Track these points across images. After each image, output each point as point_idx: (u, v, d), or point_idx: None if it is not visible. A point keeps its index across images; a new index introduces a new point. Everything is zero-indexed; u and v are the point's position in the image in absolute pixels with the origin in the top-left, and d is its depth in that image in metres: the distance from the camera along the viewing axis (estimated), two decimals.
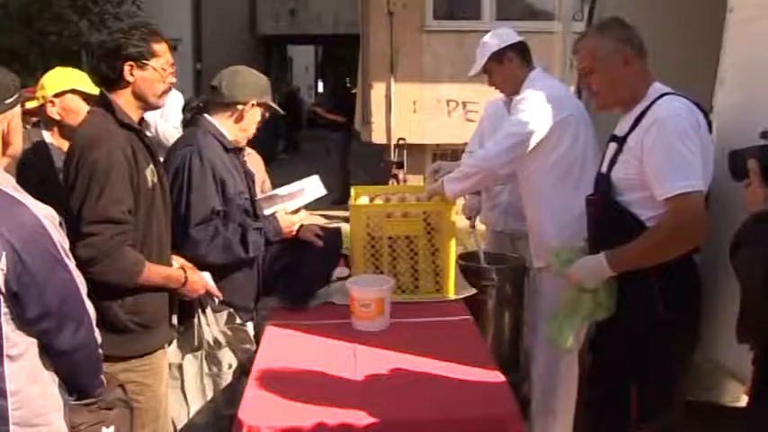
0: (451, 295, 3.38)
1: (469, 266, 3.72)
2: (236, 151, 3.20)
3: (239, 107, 3.12)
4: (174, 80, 2.72)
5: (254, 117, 3.17)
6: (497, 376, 2.56)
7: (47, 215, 1.96)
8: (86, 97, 3.14)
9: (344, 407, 2.34)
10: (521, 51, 3.48)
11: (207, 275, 2.88)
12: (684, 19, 3.99)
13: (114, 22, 13.51)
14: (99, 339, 2.13)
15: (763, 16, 2.61)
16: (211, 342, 2.90)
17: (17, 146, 2.10)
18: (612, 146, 2.66)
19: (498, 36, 3.51)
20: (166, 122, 4.74)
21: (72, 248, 2.33)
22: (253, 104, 3.13)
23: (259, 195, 3.36)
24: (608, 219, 2.62)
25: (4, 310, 1.89)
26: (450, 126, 9.62)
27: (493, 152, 3.27)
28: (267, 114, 3.25)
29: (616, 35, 2.64)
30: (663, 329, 2.48)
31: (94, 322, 2.11)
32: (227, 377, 2.92)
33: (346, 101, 12.44)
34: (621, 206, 2.55)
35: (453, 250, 3.39)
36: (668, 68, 3.91)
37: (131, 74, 2.57)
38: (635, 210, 2.51)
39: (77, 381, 2.12)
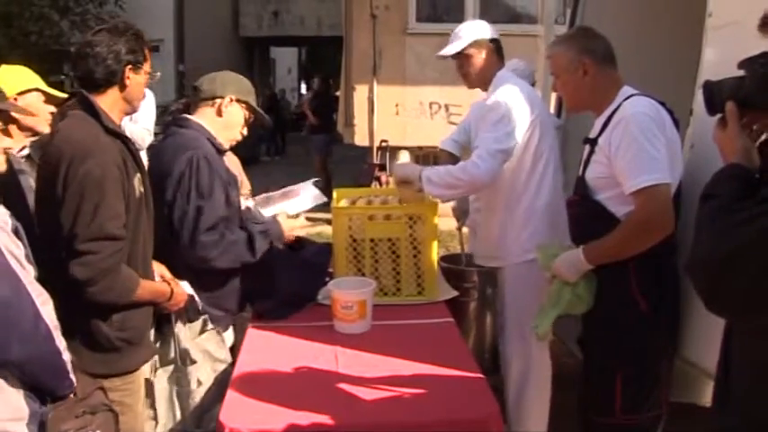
0: (433, 297, 3.38)
1: (451, 269, 3.73)
2: (223, 153, 3.16)
3: (217, 101, 3.09)
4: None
5: (234, 115, 3.13)
6: (479, 378, 2.56)
7: None
8: (48, 98, 2.99)
9: (326, 410, 2.33)
10: (498, 48, 3.46)
11: (186, 285, 2.85)
12: (665, 22, 4.03)
13: (96, 22, 13.46)
14: (61, 346, 2.02)
15: (741, 20, 2.63)
16: (183, 357, 2.86)
17: None
18: (586, 148, 2.76)
19: (482, 24, 3.48)
20: (136, 125, 4.69)
21: (65, 266, 2.29)
22: (231, 99, 3.10)
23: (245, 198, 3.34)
24: (587, 218, 2.72)
25: None
26: (432, 128, 9.64)
27: (482, 171, 3.18)
28: (250, 117, 3.19)
29: (579, 46, 2.75)
30: (644, 322, 2.58)
31: (55, 330, 1.99)
32: (197, 395, 2.86)
33: (328, 103, 12.58)
34: (599, 205, 2.64)
35: (435, 252, 3.40)
36: (649, 70, 3.95)
37: (128, 77, 2.53)
38: (611, 208, 2.62)
39: (42, 386, 2.03)
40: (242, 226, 3.06)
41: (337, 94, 14.78)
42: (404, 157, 3.22)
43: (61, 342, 2.02)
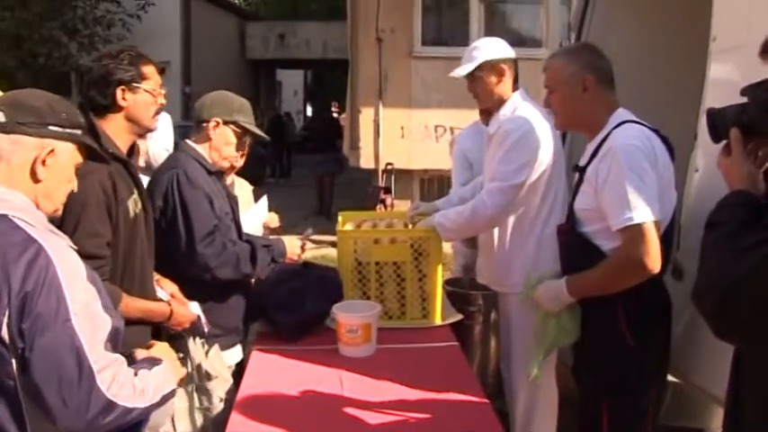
0: (438, 321, 3.37)
1: (456, 292, 3.71)
2: (218, 175, 3.18)
3: (203, 125, 3.11)
4: (164, 101, 2.70)
5: (223, 137, 3.11)
6: (484, 402, 2.55)
7: (68, 263, 1.73)
8: None
9: None
10: (513, 69, 3.34)
11: (195, 306, 2.84)
12: (670, 47, 4.03)
13: (104, 44, 13.60)
14: (133, 414, 1.80)
15: (745, 44, 2.63)
16: (202, 374, 2.84)
17: (50, 189, 1.86)
18: (576, 176, 2.67)
19: (497, 44, 3.38)
20: (156, 143, 4.73)
21: None
22: (218, 123, 3.09)
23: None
24: (574, 248, 2.64)
25: (16, 371, 1.66)
26: (437, 151, 9.66)
27: (491, 210, 3.19)
28: (243, 136, 3.16)
29: (582, 60, 2.65)
30: (631, 354, 2.50)
31: (130, 403, 1.77)
32: (218, 411, 2.85)
33: (321, 124, 13.65)
34: (585, 237, 2.56)
35: (440, 276, 3.39)
36: (654, 95, 3.95)
37: (124, 98, 2.54)
38: (597, 241, 2.53)
39: None
40: (246, 240, 3.08)
41: (335, 115, 15.45)
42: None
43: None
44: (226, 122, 3.11)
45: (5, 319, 1.63)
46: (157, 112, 2.67)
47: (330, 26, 22.04)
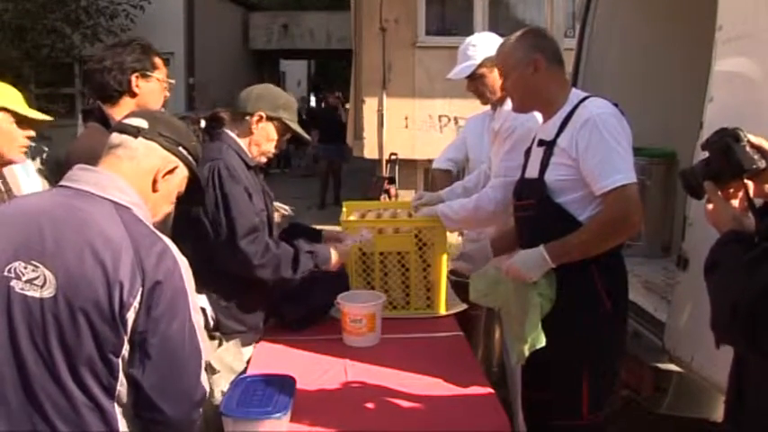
0: (442, 311, 3.37)
1: (460, 282, 3.71)
2: (256, 169, 3.10)
3: (247, 119, 2.99)
4: (168, 94, 2.74)
5: (265, 132, 3.02)
6: (488, 392, 2.56)
7: (184, 260, 1.84)
8: (19, 120, 2.50)
9: (336, 423, 2.33)
10: None
11: (203, 299, 2.78)
12: (676, 34, 4.03)
13: (107, 35, 13.59)
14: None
15: (750, 34, 2.63)
16: (206, 367, 2.83)
17: (159, 202, 1.95)
18: (539, 150, 2.67)
19: (492, 38, 3.38)
20: None
21: None
22: (261, 117, 2.99)
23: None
24: (547, 221, 2.61)
25: (124, 353, 1.73)
26: (442, 141, 9.60)
27: (495, 204, 3.19)
28: (284, 132, 3.08)
29: (530, 43, 2.69)
30: (607, 321, 2.57)
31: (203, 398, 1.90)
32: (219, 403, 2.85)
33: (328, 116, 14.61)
34: (560, 208, 2.58)
35: (445, 266, 3.39)
36: (658, 82, 3.94)
37: (137, 85, 2.63)
38: (572, 210, 2.56)
39: None
40: (293, 244, 3.00)
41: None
42: None
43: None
44: (270, 118, 3.00)
45: (136, 304, 1.70)
46: (163, 105, 2.71)
47: (334, 16, 21.96)
